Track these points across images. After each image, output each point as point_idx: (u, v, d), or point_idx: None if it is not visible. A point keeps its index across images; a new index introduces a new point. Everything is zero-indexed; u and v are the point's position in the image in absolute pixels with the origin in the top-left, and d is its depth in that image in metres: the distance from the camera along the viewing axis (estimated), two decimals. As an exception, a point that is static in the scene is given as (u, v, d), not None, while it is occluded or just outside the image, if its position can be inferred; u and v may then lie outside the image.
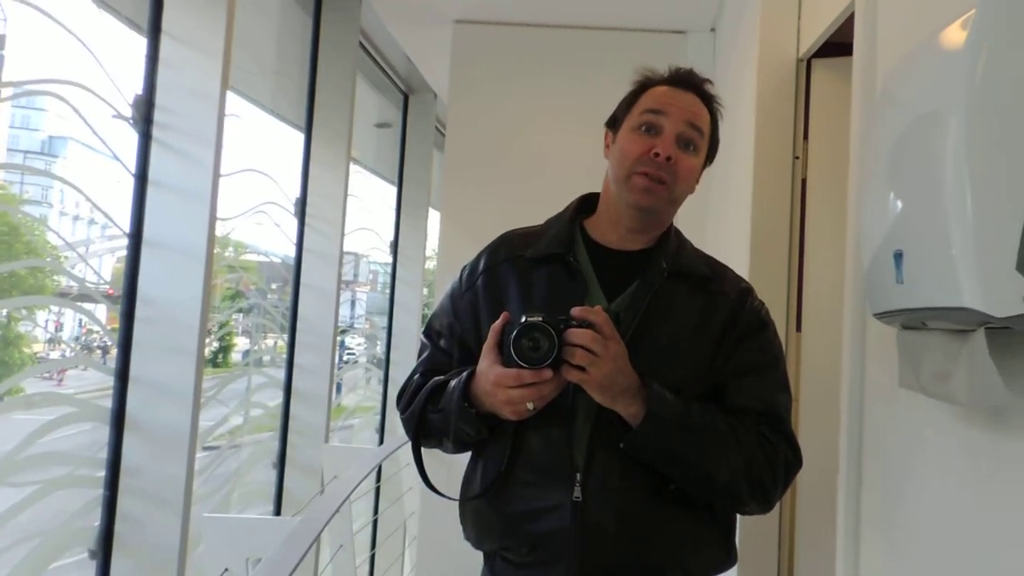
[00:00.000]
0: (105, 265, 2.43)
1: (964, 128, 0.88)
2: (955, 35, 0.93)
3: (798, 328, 2.31)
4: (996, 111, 0.87)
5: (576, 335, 1.15)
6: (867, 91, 1.47)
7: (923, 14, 1.24)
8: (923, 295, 0.95)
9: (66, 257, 2.34)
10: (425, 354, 1.42)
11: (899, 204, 1.04)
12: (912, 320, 1.06)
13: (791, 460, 1.28)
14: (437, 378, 1.33)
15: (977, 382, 0.91)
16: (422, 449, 1.36)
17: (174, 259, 2.07)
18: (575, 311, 1.17)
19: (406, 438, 1.41)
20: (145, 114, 2.07)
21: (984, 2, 0.90)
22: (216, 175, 2.09)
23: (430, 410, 1.30)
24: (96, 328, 2.51)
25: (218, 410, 3.15)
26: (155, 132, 2.07)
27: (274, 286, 3.84)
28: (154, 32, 2.11)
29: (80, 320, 2.64)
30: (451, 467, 1.42)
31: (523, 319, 1.16)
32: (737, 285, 1.35)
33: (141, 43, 2.12)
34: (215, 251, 3.68)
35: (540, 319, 1.15)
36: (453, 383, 1.28)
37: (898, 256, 1.01)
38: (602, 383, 1.16)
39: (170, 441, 2.02)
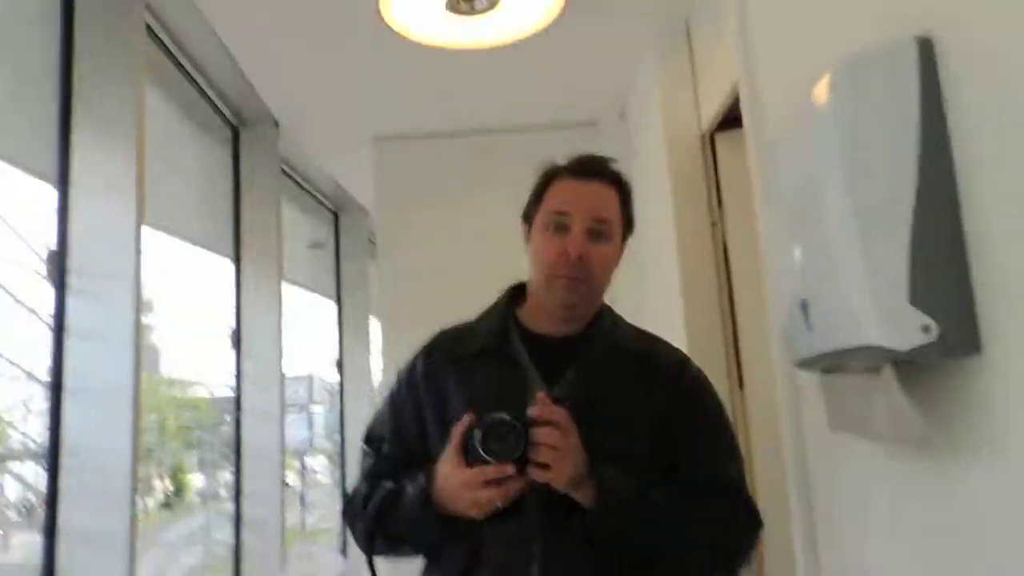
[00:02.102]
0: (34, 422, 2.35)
1: (839, 179, 0.94)
2: (820, 97, 1.01)
3: (740, 387, 2.35)
4: (865, 160, 0.93)
5: (539, 434, 1.16)
6: (761, 158, 1.56)
7: (797, 82, 1.33)
8: (831, 339, 1.00)
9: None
10: (368, 462, 1.40)
11: (799, 256, 1.09)
12: (829, 364, 1.10)
13: (752, 525, 1.29)
14: (386, 484, 1.31)
15: (894, 418, 0.95)
16: (375, 559, 1.33)
17: (99, 405, 2.01)
18: (533, 411, 1.18)
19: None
20: (59, 265, 2.05)
21: (838, 66, 0.98)
22: (137, 315, 2.07)
23: (389, 520, 1.28)
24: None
25: (172, 553, 3.01)
26: (70, 280, 2.05)
27: (228, 418, 3.75)
28: (63, 183, 2.12)
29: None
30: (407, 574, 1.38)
31: (489, 417, 1.16)
32: (673, 356, 1.38)
33: (51, 193, 2.12)
34: (164, 391, 3.61)
35: (506, 416, 1.16)
36: (410, 489, 1.26)
37: (804, 305, 1.06)
38: (568, 479, 1.17)
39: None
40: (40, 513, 2.03)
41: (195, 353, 3.61)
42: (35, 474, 2.16)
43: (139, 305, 2.06)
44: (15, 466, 2.32)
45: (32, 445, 2.20)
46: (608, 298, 1.41)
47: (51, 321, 2.05)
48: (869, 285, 0.90)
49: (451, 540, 1.26)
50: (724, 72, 2.17)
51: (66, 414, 2.02)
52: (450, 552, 1.27)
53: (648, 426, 1.28)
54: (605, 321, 1.37)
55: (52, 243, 2.08)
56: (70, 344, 2.03)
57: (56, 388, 2.02)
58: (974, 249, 0.87)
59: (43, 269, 2.05)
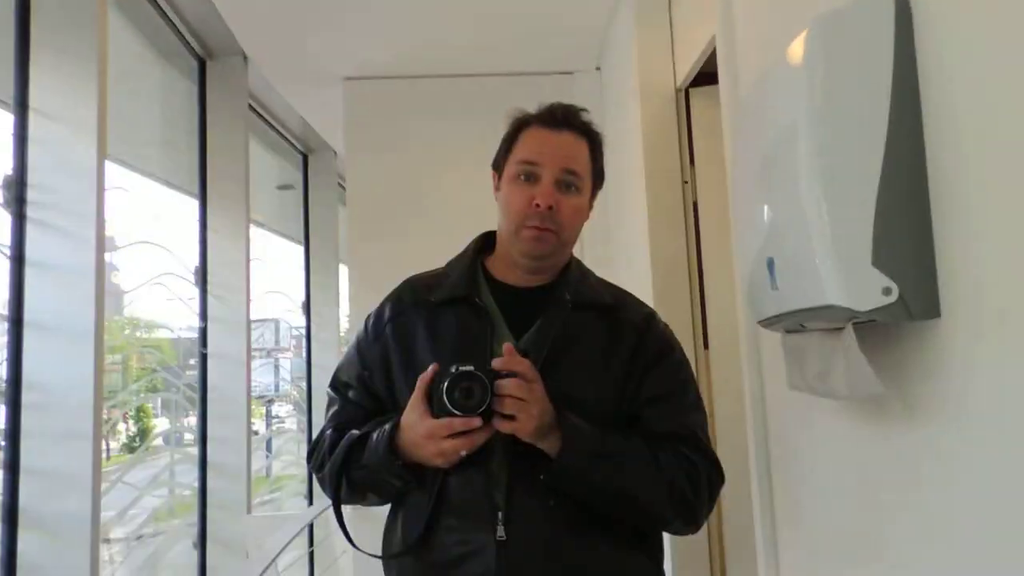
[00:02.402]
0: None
1: (810, 136, 0.94)
2: (795, 53, 1.00)
3: (706, 346, 2.37)
4: (836, 118, 0.93)
5: (504, 385, 1.16)
6: (734, 114, 1.54)
7: (774, 38, 1.32)
8: (795, 298, 1.00)
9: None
10: (334, 408, 1.39)
11: (767, 214, 1.09)
12: (792, 324, 1.11)
13: (712, 476, 1.30)
14: (353, 432, 1.31)
15: (853, 376, 0.96)
16: (342, 506, 1.33)
17: (60, 340, 1.97)
18: (498, 362, 1.18)
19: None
20: (17, 194, 1.99)
21: (815, 21, 0.97)
22: (100, 250, 2.02)
23: (353, 466, 1.28)
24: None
25: (135, 496, 3.01)
26: (30, 211, 2.00)
27: (192, 361, 3.71)
28: (21, 108, 2.05)
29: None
30: (374, 522, 1.39)
31: (454, 368, 1.16)
32: (640, 311, 1.38)
33: (7, 120, 2.05)
34: (126, 333, 3.56)
35: (471, 368, 1.16)
36: (375, 436, 1.26)
37: (770, 263, 1.06)
38: (533, 430, 1.18)
39: (70, 533, 1.90)
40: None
41: (159, 295, 3.56)
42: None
43: (102, 240, 2.02)
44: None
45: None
46: (576, 251, 1.40)
47: (8, 251, 2.00)
48: (834, 245, 0.91)
49: (416, 488, 1.27)
50: (702, 25, 2.14)
51: (26, 348, 1.98)
52: (415, 500, 1.28)
53: (613, 378, 1.29)
54: (573, 273, 1.37)
55: (9, 169, 2.02)
56: (30, 277, 1.99)
57: (16, 322, 1.99)
58: (937, 214, 0.88)
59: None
